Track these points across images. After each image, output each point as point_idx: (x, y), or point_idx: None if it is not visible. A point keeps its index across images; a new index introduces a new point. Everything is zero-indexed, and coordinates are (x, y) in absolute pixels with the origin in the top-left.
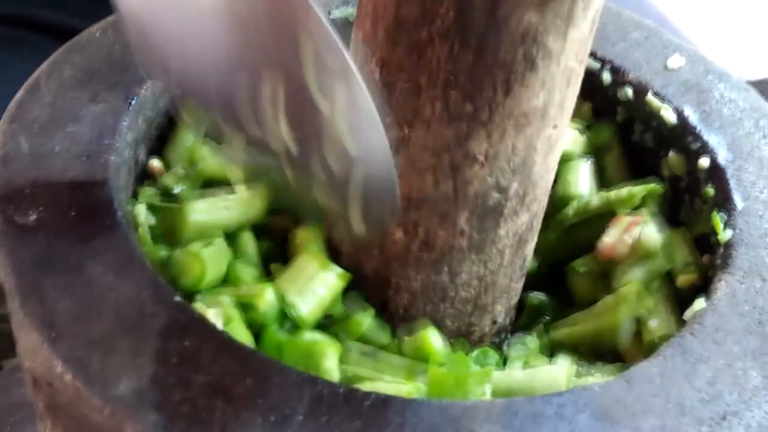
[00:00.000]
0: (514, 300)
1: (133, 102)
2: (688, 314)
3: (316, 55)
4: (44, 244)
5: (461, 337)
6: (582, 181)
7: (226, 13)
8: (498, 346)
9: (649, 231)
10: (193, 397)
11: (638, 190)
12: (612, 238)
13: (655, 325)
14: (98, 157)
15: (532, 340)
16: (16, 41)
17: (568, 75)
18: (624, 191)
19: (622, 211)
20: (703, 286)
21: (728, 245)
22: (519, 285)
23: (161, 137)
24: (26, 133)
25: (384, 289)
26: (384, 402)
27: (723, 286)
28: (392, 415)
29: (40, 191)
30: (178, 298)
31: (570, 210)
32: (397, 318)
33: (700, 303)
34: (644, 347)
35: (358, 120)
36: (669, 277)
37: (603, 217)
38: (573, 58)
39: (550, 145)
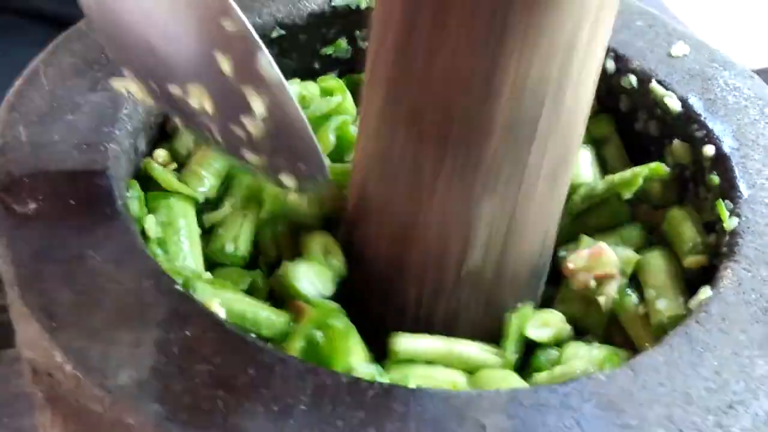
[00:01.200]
0: (549, 241)
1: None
2: (693, 303)
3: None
4: (44, 234)
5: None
6: (585, 168)
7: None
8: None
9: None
10: (194, 387)
11: (641, 170)
12: (575, 265)
13: (663, 306)
14: (98, 146)
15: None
16: (14, 30)
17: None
18: (628, 173)
19: (626, 192)
20: (711, 268)
21: (734, 233)
22: (554, 224)
23: (161, 126)
24: (25, 122)
25: (413, 231)
26: (387, 392)
27: (729, 274)
28: (396, 405)
29: (40, 180)
30: (179, 288)
31: (577, 197)
32: (427, 258)
33: (705, 291)
34: (653, 329)
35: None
36: (676, 257)
37: (609, 201)
38: None
39: (579, 81)
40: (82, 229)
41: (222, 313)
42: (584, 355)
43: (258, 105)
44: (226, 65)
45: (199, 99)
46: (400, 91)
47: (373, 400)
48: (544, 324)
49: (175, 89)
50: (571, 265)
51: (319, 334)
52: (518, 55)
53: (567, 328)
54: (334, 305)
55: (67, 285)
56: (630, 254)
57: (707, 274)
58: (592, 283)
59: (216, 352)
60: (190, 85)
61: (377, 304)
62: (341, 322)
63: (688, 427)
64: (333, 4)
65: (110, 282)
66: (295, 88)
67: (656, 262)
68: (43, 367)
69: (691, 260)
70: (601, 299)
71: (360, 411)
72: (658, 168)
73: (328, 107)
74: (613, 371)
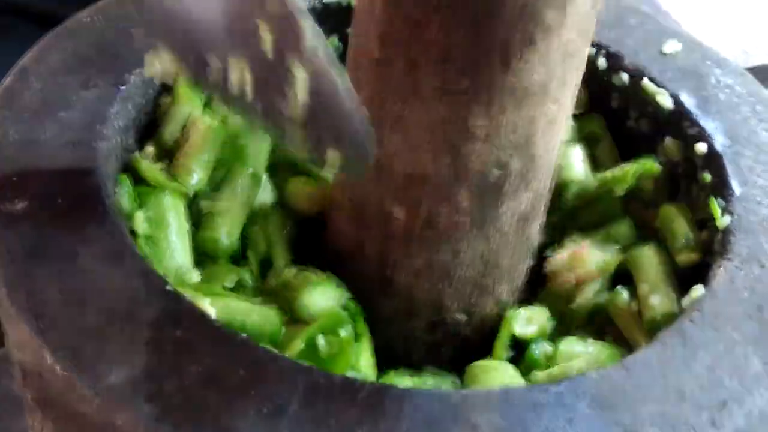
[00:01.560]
0: (519, 281)
1: (123, 88)
2: (686, 301)
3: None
4: (33, 233)
5: (464, 316)
6: (577, 165)
7: None
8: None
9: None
10: (185, 387)
11: (633, 167)
12: (554, 268)
13: (656, 302)
14: (88, 144)
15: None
16: (3, 28)
17: (569, 50)
18: (619, 170)
19: (619, 189)
20: (704, 266)
21: (726, 231)
22: (524, 266)
23: (151, 123)
24: (15, 119)
25: (385, 271)
26: (380, 391)
27: (722, 272)
28: (389, 405)
29: (29, 179)
30: (170, 287)
31: (569, 194)
32: (399, 297)
33: (698, 290)
34: (645, 324)
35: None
36: (669, 253)
37: (602, 199)
38: (574, 33)
39: (550, 122)
40: (71, 228)
41: (213, 313)
42: (581, 352)
43: (302, 77)
44: (268, 36)
45: (240, 71)
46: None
47: (365, 400)
48: (528, 320)
49: (214, 62)
50: (550, 268)
51: (322, 341)
52: (490, 103)
53: (551, 323)
54: (343, 314)
55: (56, 285)
56: (612, 255)
57: (699, 272)
58: (572, 283)
59: (207, 352)
60: (231, 57)
61: None
62: (348, 331)
63: (682, 425)
64: (324, 1)
65: (100, 281)
66: None
67: (648, 257)
68: (32, 368)
69: (684, 257)
70: (581, 300)
71: (352, 410)
72: (650, 165)
73: None
74: (606, 369)
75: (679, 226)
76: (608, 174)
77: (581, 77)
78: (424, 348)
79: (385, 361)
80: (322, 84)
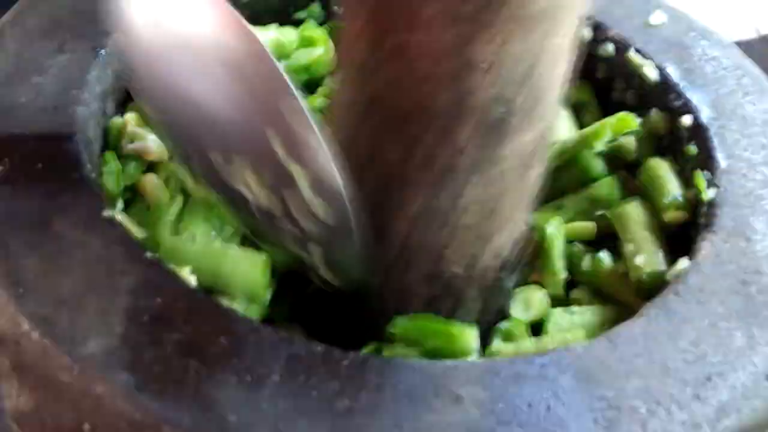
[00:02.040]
0: (519, 233)
1: (102, 53)
2: (671, 274)
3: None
4: (9, 199)
5: (463, 268)
6: (562, 127)
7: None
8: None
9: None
10: (165, 356)
11: (610, 120)
12: None
13: (642, 261)
14: (65, 108)
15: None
16: None
17: None
18: (597, 124)
19: (597, 144)
20: (689, 238)
21: (711, 204)
22: (525, 215)
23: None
24: None
25: (381, 218)
26: (363, 362)
27: (707, 245)
28: (371, 375)
29: (5, 144)
30: (149, 255)
31: (551, 152)
32: (395, 246)
33: (683, 262)
34: (632, 285)
35: (321, 186)
36: (655, 212)
37: (583, 157)
38: None
39: (556, 56)
40: (49, 194)
41: (193, 281)
42: (565, 325)
43: (304, 184)
44: (277, 142)
45: (241, 171)
46: (368, 76)
47: (347, 371)
48: (526, 303)
49: (216, 156)
50: None
51: None
52: (494, 30)
53: (548, 303)
54: None
55: (33, 251)
56: (587, 225)
57: (684, 244)
58: None
59: (187, 321)
60: (234, 155)
61: None
62: None
63: (666, 399)
64: None
65: (78, 248)
66: (271, 33)
67: (633, 214)
68: (9, 335)
69: (671, 214)
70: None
71: (334, 381)
72: (628, 119)
73: (309, 58)
74: (590, 343)
75: (666, 181)
76: (587, 130)
77: (585, 11)
78: (421, 302)
79: (380, 314)
80: (327, 196)
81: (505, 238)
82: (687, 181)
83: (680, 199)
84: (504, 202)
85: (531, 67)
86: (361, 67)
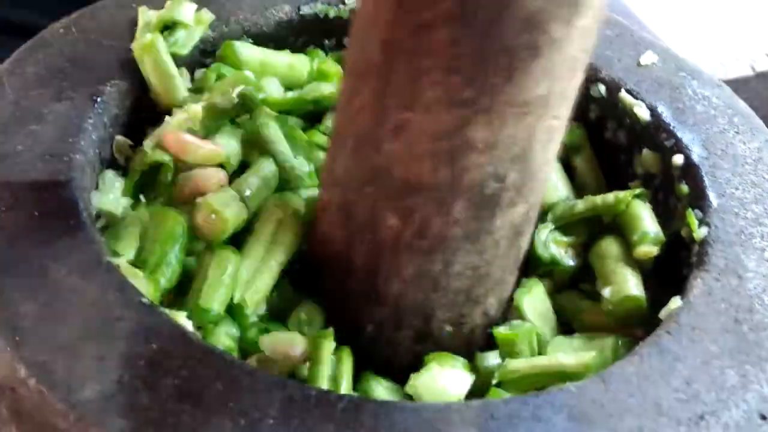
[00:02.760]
0: (507, 293)
1: (98, 100)
2: (663, 313)
3: None
4: (6, 246)
5: (452, 327)
6: (559, 185)
7: None
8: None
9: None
10: (161, 401)
11: (626, 196)
12: None
13: (608, 293)
14: (62, 156)
15: None
16: None
17: (571, 65)
18: (611, 196)
19: (607, 217)
20: (682, 277)
21: (704, 243)
22: (513, 278)
23: (127, 137)
24: None
25: (374, 278)
26: (357, 405)
27: (699, 284)
28: (365, 418)
29: (2, 191)
30: (145, 300)
31: (552, 216)
32: (388, 306)
33: (676, 301)
34: (607, 319)
35: None
36: (627, 247)
37: (587, 221)
38: (577, 48)
39: (550, 136)
40: (46, 241)
41: (189, 326)
42: (566, 348)
43: None
44: None
45: None
46: (370, 149)
47: (342, 414)
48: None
49: None
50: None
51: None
52: (492, 114)
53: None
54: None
55: (30, 298)
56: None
57: (677, 283)
58: None
59: (183, 366)
60: None
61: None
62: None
63: None
64: (301, 12)
65: (75, 295)
66: (285, 58)
67: (605, 250)
68: (5, 382)
69: (642, 250)
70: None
71: (329, 424)
72: (642, 193)
73: (320, 94)
74: (583, 382)
75: (638, 219)
76: (598, 200)
77: (576, 92)
78: (410, 357)
79: (367, 366)
80: None
81: (494, 299)
82: (673, 242)
83: (651, 234)
84: (495, 267)
85: (524, 147)
86: (364, 140)
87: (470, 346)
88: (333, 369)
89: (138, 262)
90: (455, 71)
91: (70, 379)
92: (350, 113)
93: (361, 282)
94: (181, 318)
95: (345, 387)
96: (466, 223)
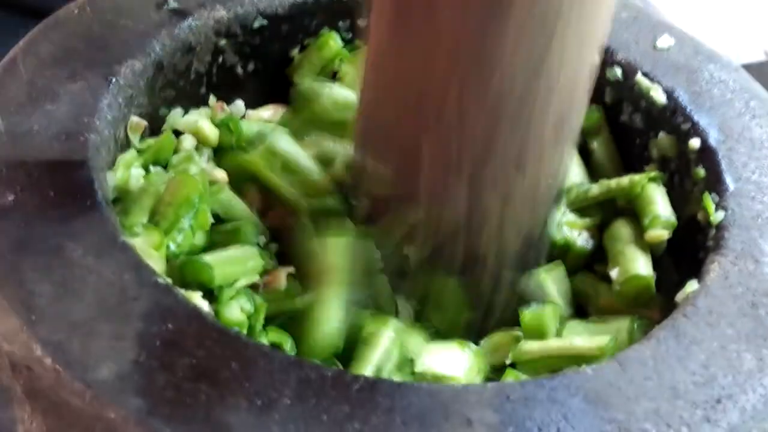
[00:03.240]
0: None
1: (113, 80)
2: (680, 296)
3: None
4: (22, 226)
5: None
6: (575, 170)
7: None
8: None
9: None
10: (177, 381)
11: (641, 179)
12: None
13: (615, 274)
14: (77, 136)
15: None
16: None
17: None
18: (626, 180)
19: (622, 200)
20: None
21: (720, 227)
22: (551, 192)
23: (141, 117)
24: (3, 112)
25: (403, 181)
26: (373, 385)
27: (716, 268)
28: (381, 399)
29: (18, 171)
30: (161, 281)
31: (568, 199)
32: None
33: (692, 285)
34: (617, 300)
35: None
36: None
37: (602, 205)
38: None
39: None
40: (61, 220)
41: (205, 306)
42: (581, 330)
43: None
44: None
45: None
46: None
47: (358, 394)
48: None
49: None
50: None
51: None
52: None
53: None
54: None
55: (46, 277)
56: None
57: (693, 267)
58: None
59: (198, 346)
60: None
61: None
62: None
63: (676, 422)
64: None
65: (90, 274)
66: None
67: (616, 233)
68: (21, 361)
69: (653, 234)
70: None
71: (345, 405)
72: (657, 176)
73: None
74: (600, 365)
75: (650, 202)
76: (612, 183)
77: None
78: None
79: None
80: None
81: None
82: (689, 225)
83: (663, 218)
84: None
85: (562, 23)
86: (383, 47)
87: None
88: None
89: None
90: None
91: (86, 358)
92: (373, 22)
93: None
94: (197, 298)
95: None
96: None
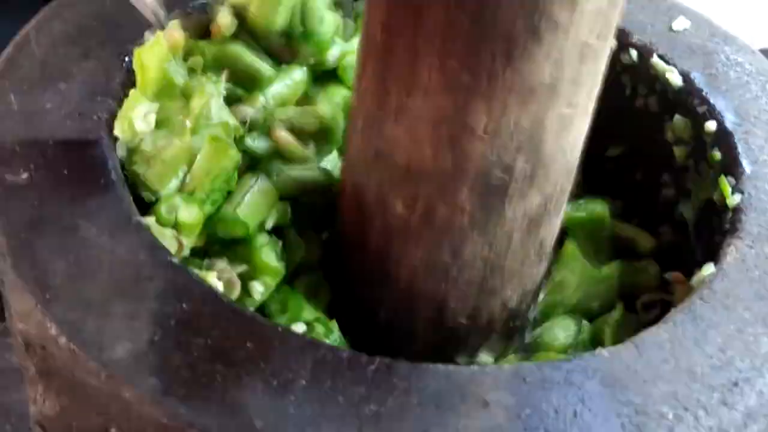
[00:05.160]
0: (531, 286)
1: (127, 59)
2: (696, 280)
3: None
4: (36, 204)
5: (467, 319)
6: None
7: None
8: (511, 335)
9: None
10: (192, 361)
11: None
12: None
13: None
14: (91, 115)
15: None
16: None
17: (581, 50)
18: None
19: None
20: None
21: (737, 210)
22: (535, 270)
23: None
24: (16, 90)
25: (386, 264)
26: (389, 367)
27: (732, 251)
28: (397, 381)
29: (32, 150)
30: (175, 260)
31: None
32: (398, 294)
33: (709, 268)
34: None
35: None
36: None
37: None
38: (587, 33)
39: (563, 125)
40: (75, 199)
41: (219, 287)
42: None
43: None
44: None
45: None
46: (374, 131)
47: (374, 375)
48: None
49: None
50: None
51: None
52: (493, 100)
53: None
54: None
55: (60, 256)
56: None
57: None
58: None
59: (214, 326)
60: None
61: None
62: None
63: (693, 405)
64: None
65: (105, 253)
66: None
67: None
68: (36, 340)
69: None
70: None
71: (361, 386)
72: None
73: None
74: (617, 348)
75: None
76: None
77: (600, 78)
78: (428, 346)
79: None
80: None
81: (513, 290)
82: (705, 208)
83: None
84: (509, 259)
85: (532, 136)
86: (370, 122)
87: (488, 337)
88: None
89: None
90: (451, 55)
91: (102, 337)
92: (360, 93)
93: (375, 264)
94: (212, 278)
95: None
96: (473, 212)
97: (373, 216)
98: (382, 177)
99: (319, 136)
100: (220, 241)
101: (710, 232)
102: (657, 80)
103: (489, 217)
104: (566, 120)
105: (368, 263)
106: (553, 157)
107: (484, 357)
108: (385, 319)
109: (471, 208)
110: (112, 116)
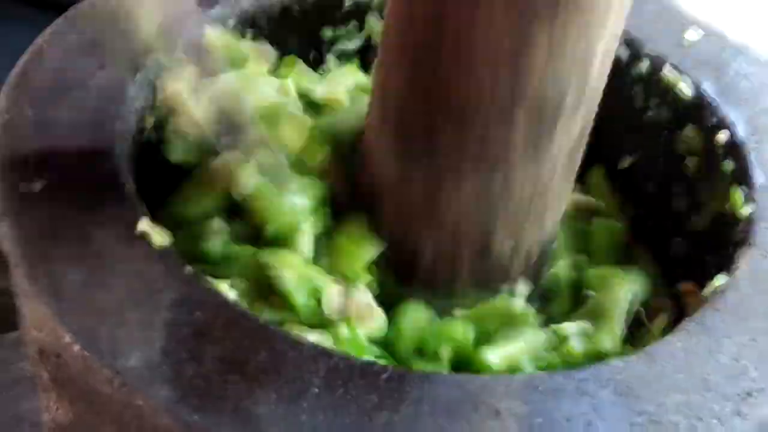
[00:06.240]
0: (562, 209)
1: (141, 70)
2: (708, 290)
3: None
4: (50, 214)
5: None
6: None
7: None
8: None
9: None
10: (205, 370)
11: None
12: None
13: None
14: (105, 125)
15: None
16: (13, 14)
17: None
18: None
19: None
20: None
21: (749, 221)
22: (568, 191)
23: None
24: (31, 100)
25: (433, 202)
26: (401, 376)
27: (745, 262)
28: (409, 389)
29: (45, 159)
30: (189, 270)
31: None
32: (448, 225)
33: (721, 279)
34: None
35: None
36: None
37: None
38: None
39: (605, 54)
40: (89, 209)
41: (233, 295)
42: None
43: None
44: None
45: None
46: (427, 58)
47: (386, 384)
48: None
49: None
50: None
51: None
52: (549, 33)
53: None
54: None
55: (74, 265)
56: None
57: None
58: None
59: (227, 335)
60: None
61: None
62: None
63: (707, 414)
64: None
65: (118, 263)
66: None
67: None
68: (50, 348)
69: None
70: None
71: (373, 394)
72: None
73: None
74: (630, 357)
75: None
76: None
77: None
78: (469, 275)
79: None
80: None
81: (551, 214)
82: (716, 220)
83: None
84: (554, 182)
85: (585, 60)
86: (420, 49)
87: (528, 261)
88: None
89: None
90: None
91: (115, 346)
92: (400, 24)
93: (419, 207)
94: (225, 287)
95: None
96: (527, 136)
97: (420, 157)
98: (434, 106)
99: None
100: None
101: (722, 242)
102: (669, 91)
103: (540, 141)
104: (608, 50)
105: (412, 206)
106: (594, 85)
107: (521, 288)
108: (431, 256)
109: (526, 131)
110: (126, 127)
